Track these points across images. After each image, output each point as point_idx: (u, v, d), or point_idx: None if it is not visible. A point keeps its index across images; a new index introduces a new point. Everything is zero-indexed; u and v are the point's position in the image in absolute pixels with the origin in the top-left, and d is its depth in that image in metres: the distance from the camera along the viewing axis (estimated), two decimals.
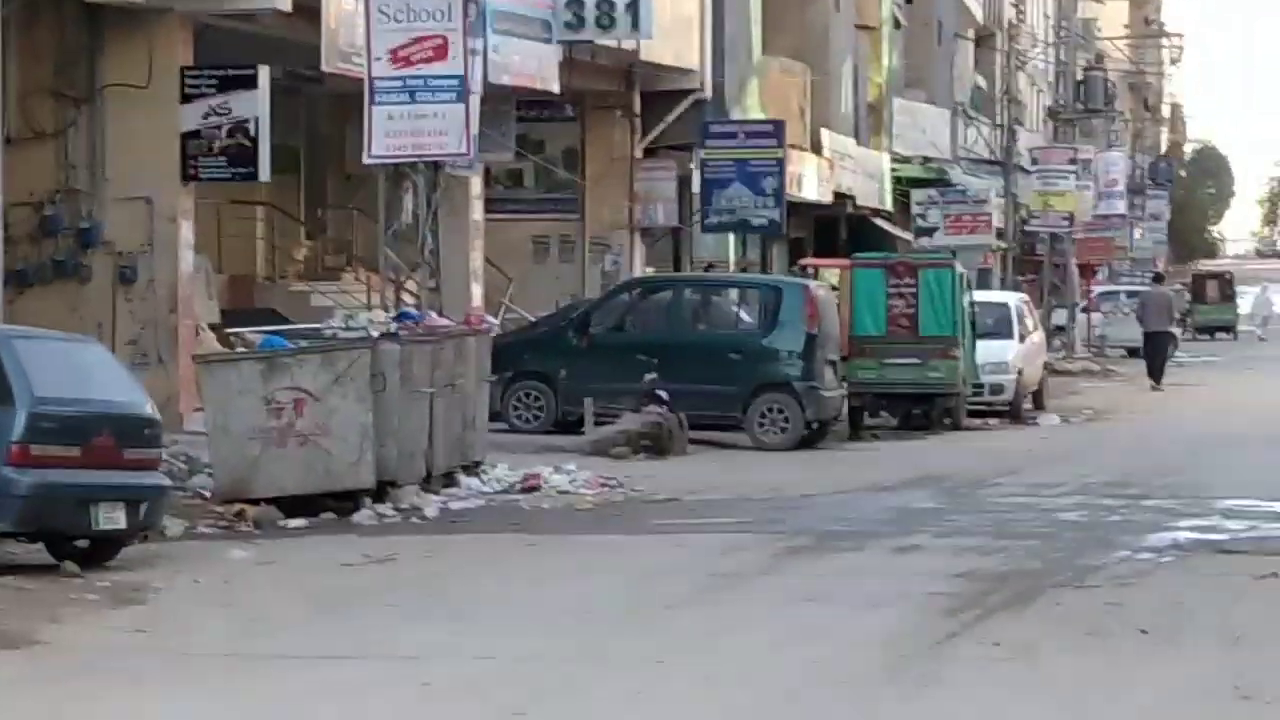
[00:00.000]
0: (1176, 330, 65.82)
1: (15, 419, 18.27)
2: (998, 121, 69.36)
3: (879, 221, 56.55)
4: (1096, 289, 73.53)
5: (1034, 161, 67.56)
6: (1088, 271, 73.51)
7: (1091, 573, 19.39)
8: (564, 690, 13.14)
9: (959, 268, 40.30)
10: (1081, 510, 25.46)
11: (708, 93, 43.89)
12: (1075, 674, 13.79)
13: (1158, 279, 70.36)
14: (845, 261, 41.99)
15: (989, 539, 22.09)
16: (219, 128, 29.54)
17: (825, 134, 51.56)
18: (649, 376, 32.24)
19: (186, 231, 30.02)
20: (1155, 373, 55.10)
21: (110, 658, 14.78)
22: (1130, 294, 71.15)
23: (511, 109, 37.24)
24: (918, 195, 57.71)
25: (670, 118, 43.05)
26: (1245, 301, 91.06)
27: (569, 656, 14.87)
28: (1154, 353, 56.46)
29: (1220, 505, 25.40)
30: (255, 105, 29.61)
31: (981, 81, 72.54)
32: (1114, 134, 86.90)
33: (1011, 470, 30.93)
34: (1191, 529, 23.05)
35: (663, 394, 31.93)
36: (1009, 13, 74.22)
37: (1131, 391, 54.05)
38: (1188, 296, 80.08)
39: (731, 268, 45.92)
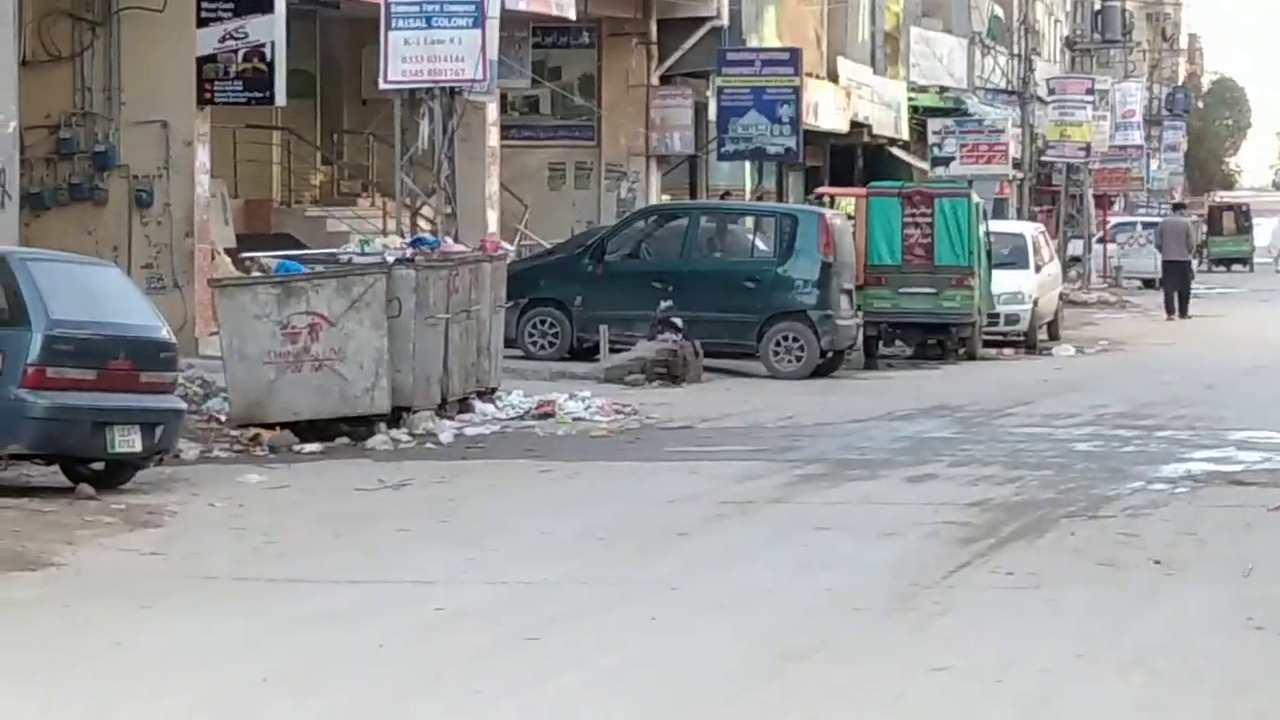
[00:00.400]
0: (1194, 261, 65.86)
1: (31, 341, 18.40)
2: (1015, 51, 69.40)
3: (895, 151, 56.70)
4: (1113, 220, 73.41)
5: (1051, 91, 67.67)
6: (1104, 202, 73.43)
7: (1105, 503, 19.48)
8: (577, 616, 13.34)
9: (975, 197, 40.30)
10: (1095, 441, 25.49)
11: (724, 20, 43.91)
12: (1087, 604, 13.89)
13: (1177, 208, 70.69)
14: (861, 190, 42.03)
15: (1003, 469, 22.18)
16: (235, 52, 29.62)
17: (842, 62, 51.65)
18: (664, 304, 32.34)
19: (202, 155, 30.12)
20: (1177, 302, 55.18)
21: (125, 580, 15.01)
22: (1146, 225, 71.13)
23: (528, 35, 37.38)
24: (934, 125, 57.72)
25: (687, 45, 43.19)
26: (1262, 233, 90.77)
27: (583, 582, 15.12)
28: (1172, 282, 56.51)
29: (1234, 437, 25.48)
30: (271, 29, 29.64)
31: (999, 11, 72.56)
32: (1131, 64, 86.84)
33: (1026, 400, 30.94)
34: (1205, 460, 23.01)
35: (678, 321, 32.01)
36: None
37: (1147, 323, 53.92)
38: (1204, 228, 79.97)
39: (747, 196, 46.19)
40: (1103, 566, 15.78)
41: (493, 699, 10.91)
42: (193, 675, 11.49)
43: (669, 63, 43.60)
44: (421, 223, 29.15)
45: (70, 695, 10.86)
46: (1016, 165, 62.58)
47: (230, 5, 29.62)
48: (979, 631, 12.79)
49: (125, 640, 12.45)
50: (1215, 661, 12.05)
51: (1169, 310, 55.25)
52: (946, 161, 54.97)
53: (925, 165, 55.63)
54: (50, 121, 29.36)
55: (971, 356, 38.02)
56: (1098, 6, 75.73)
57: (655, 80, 43.61)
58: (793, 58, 44.78)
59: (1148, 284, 64.82)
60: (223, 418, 23.56)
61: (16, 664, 11.69)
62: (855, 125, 52.48)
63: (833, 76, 50.83)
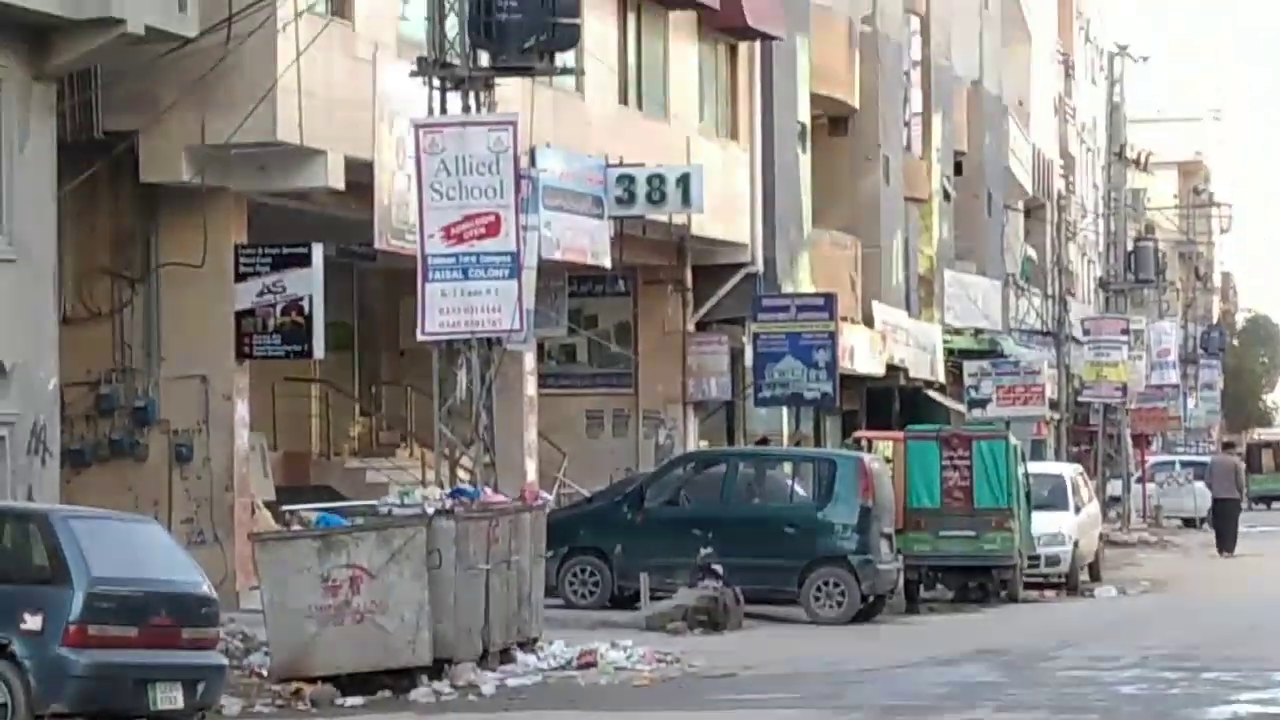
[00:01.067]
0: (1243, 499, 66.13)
1: (73, 599, 18.17)
2: (1049, 292, 69.72)
3: (932, 393, 56.87)
4: (1151, 459, 73.92)
5: (1086, 332, 67.79)
6: (1142, 442, 73.87)
7: None
8: None
9: (1013, 439, 40.33)
10: (1141, 683, 25.15)
11: (759, 266, 44.05)
12: None
13: (1227, 446, 71.19)
14: (899, 434, 41.96)
15: (1049, 713, 21.93)
16: (273, 305, 29.69)
17: (877, 306, 51.75)
18: (704, 551, 32.04)
19: (241, 409, 30.09)
20: (1226, 540, 55.03)
21: None
22: (1185, 464, 71.68)
23: (564, 284, 37.45)
24: (970, 367, 57.93)
25: (722, 292, 43.31)
26: None
27: None
28: (1222, 519, 56.54)
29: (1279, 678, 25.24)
30: (309, 283, 29.84)
31: (1032, 252, 72.90)
32: (1165, 303, 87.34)
33: (1070, 643, 30.63)
34: (1252, 701, 22.72)
35: (718, 568, 31.69)
36: (1058, 184, 74.76)
37: (1189, 562, 53.73)
38: (1242, 466, 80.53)
39: (785, 441, 46.15)
40: None
41: None
42: None
43: (704, 309, 43.59)
44: (461, 473, 28.88)
45: None
46: (1053, 406, 62.70)
47: (268, 260, 29.73)
48: None
49: None
50: None
51: (1220, 547, 55.13)
52: (983, 403, 55.21)
53: (962, 407, 55.82)
54: (90, 378, 29.26)
55: (1013, 599, 37.66)
56: (1130, 246, 76.25)
57: (691, 327, 43.53)
58: (827, 303, 44.72)
59: (1188, 523, 65.26)
60: (264, 672, 23.23)
61: None
62: (891, 368, 52.42)
63: (868, 320, 50.89)
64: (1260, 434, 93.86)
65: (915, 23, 55.76)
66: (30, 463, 26.06)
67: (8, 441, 25.91)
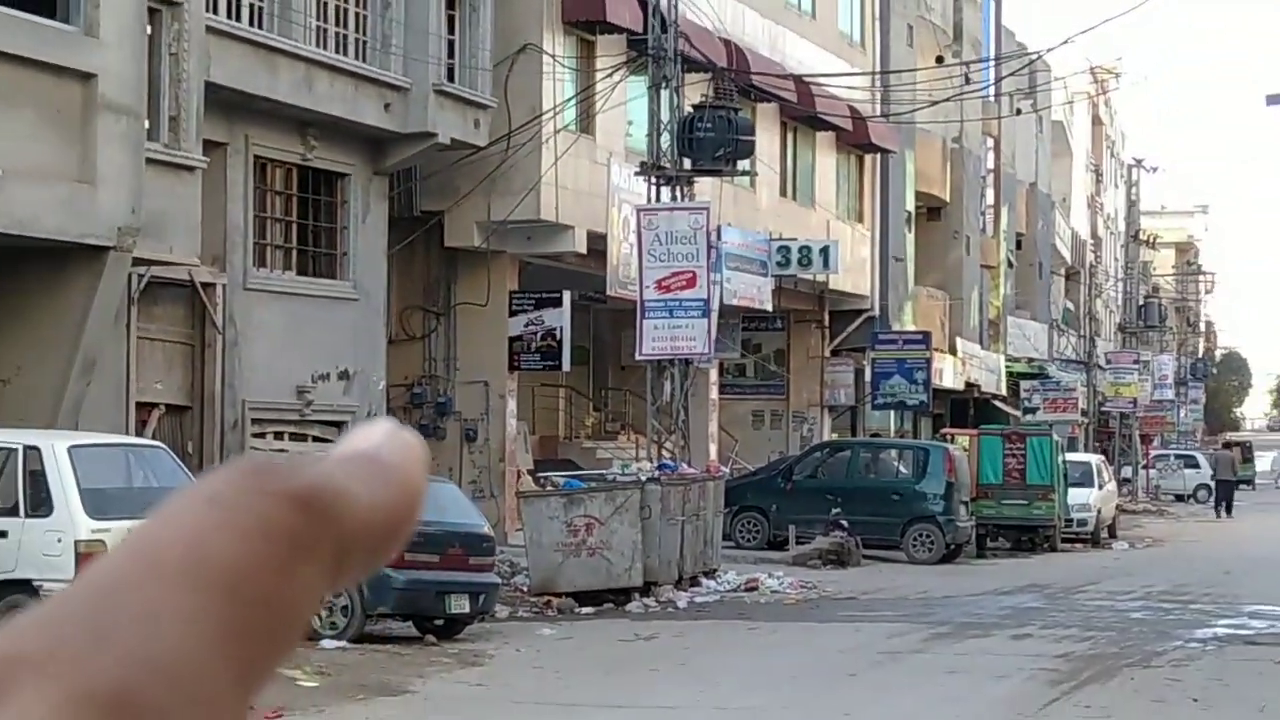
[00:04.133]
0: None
1: None
2: (1081, 333, 69.75)
3: (997, 403, 56.89)
4: (1153, 452, 73.54)
5: (1108, 362, 68.06)
6: (1147, 440, 73.68)
7: (1155, 657, 19.64)
8: None
9: (1055, 436, 40.73)
10: (1145, 610, 25.42)
11: (876, 311, 44.14)
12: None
13: (1227, 445, 70.79)
14: (974, 431, 42.68)
15: (1079, 630, 22.25)
16: (535, 334, 30.35)
17: (960, 341, 51.26)
18: (835, 510, 32.66)
19: (511, 405, 30.72)
20: (1226, 507, 56.13)
21: (458, 704, 15.79)
22: (1177, 456, 71.72)
23: (739, 321, 37.68)
24: (1025, 385, 57.86)
25: (850, 329, 43.43)
26: (1262, 462, 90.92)
27: (784, 707, 15.74)
28: (1222, 494, 57.42)
29: (1247, 609, 25.24)
30: (560, 318, 30.36)
31: (1070, 305, 73.15)
32: (1165, 342, 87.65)
33: (1094, 581, 30.75)
34: (1226, 626, 23.02)
35: (844, 523, 32.24)
36: (1089, 257, 75.19)
37: (1180, 525, 53.19)
38: (1239, 458, 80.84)
39: (892, 434, 46.03)
40: (1155, 703, 16.24)
41: None
42: None
43: (837, 341, 43.61)
44: (664, 452, 29.37)
45: None
46: (1084, 413, 62.64)
47: (532, 301, 30.34)
48: None
49: None
50: None
51: (1218, 514, 56.02)
52: (1034, 411, 55.40)
53: (1019, 413, 55.83)
54: (407, 382, 29.83)
55: (1053, 549, 37.76)
56: (1141, 302, 76.82)
57: (827, 353, 43.53)
58: (925, 338, 44.90)
59: (1179, 498, 65.06)
60: (525, 589, 23.95)
61: None
62: (968, 385, 52.40)
63: (952, 350, 50.25)
64: (1230, 436, 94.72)
65: (990, 141, 55.12)
66: None
67: (350, 425, 26.15)
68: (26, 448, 16.02)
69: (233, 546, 0.30)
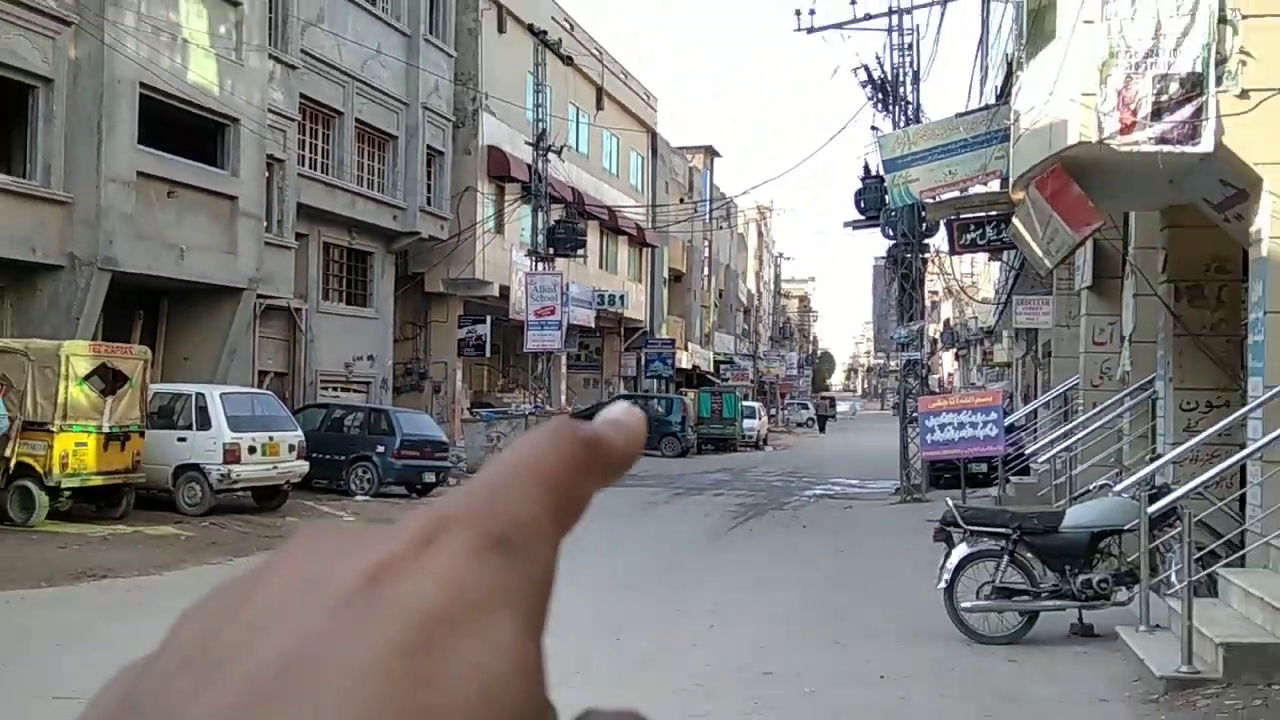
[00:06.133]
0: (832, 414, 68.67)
1: (395, 441, 20.28)
2: (751, 341, 69.12)
3: (710, 376, 53.61)
4: (786, 401, 72.97)
5: (764, 356, 68.30)
6: (783, 394, 72.83)
7: (785, 504, 21.10)
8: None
9: (737, 393, 42.28)
10: (781, 480, 26.76)
11: (648, 328, 44.33)
12: (778, 539, 15.76)
13: (823, 398, 79.46)
14: (696, 390, 42.62)
15: (748, 491, 23.69)
16: (471, 337, 30.02)
17: (690, 344, 50.57)
18: None
19: (459, 375, 29.72)
20: (821, 428, 61.17)
21: None
22: (799, 404, 72.48)
23: (576, 333, 36.29)
24: (723, 367, 56.80)
25: (634, 337, 43.51)
26: (841, 406, 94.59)
27: (598, 525, 12.97)
28: (821, 423, 63.38)
29: (834, 481, 26.60)
30: (484, 329, 29.92)
31: (746, 326, 70.11)
32: (790, 344, 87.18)
33: (756, 466, 32.11)
34: (820, 490, 24.44)
35: None
36: (755, 302, 73.71)
37: (799, 439, 53.52)
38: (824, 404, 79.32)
39: (655, 391, 43.48)
40: (784, 528, 17.10)
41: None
42: None
43: (627, 343, 43.25)
44: (537, 400, 30.31)
45: None
46: (750, 382, 60.86)
47: (470, 320, 29.71)
48: (737, 550, 14.56)
49: None
50: (825, 559, 14.07)
51: (820, 431, 61.05)
52: (726, 380, 52.91)
53: (720, 381, 52.17)
54: (404, 362, 28.96)
55: (735, 450, 38.94)
56: (781, 325, 77.63)
57: (623, 349, 43.26)
58: (672, 343, 45.42)
59: (799, 425, 65.70)
60: (463, 469, 22.88)
61: None
62: (694, 367, 50.86)
63: (686, 348, 49.57)
64: (824, 394, 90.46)
65: (706, 243, 54.12)
66: (382, 396, 26.60)
67: (373, 385, 26.86)
68: (197, 394, 17.15)
69: (555, 460, 0.39)
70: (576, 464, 0.40)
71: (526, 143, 30.65)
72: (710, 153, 54.91)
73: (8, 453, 14.56)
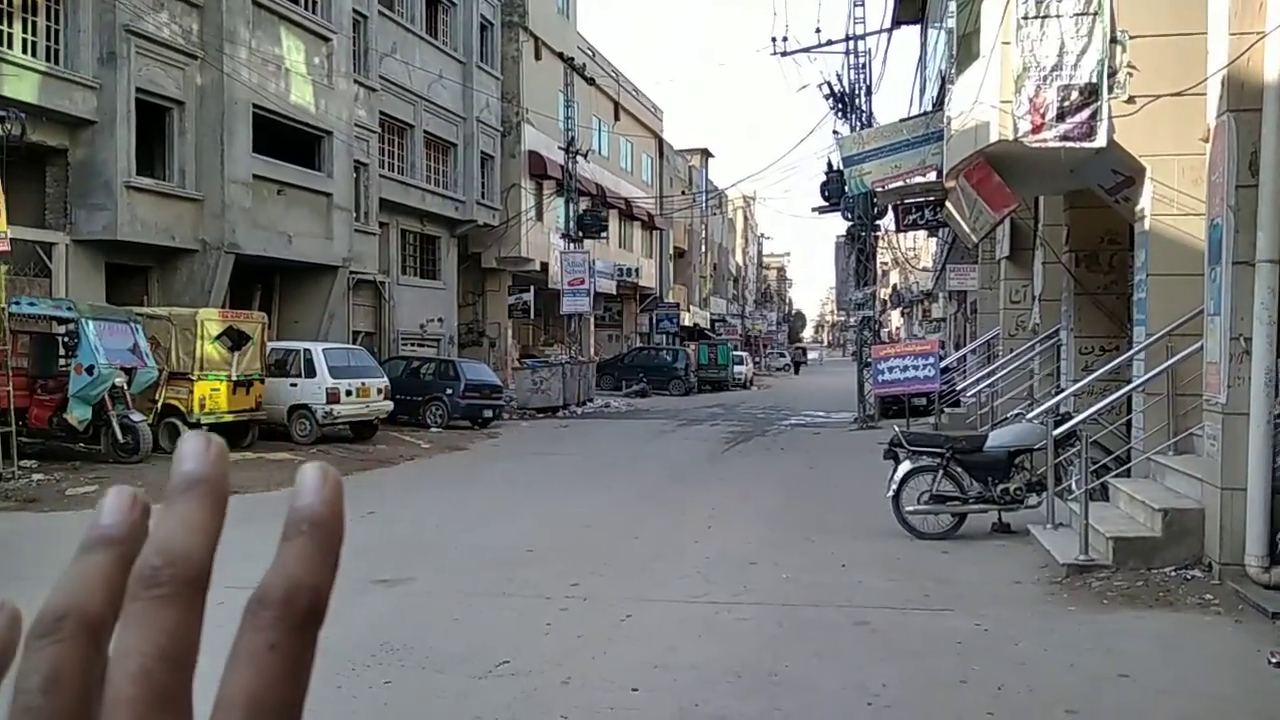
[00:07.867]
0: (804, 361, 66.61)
1: (461, 384, 20.04)
2: (740, 304, 67.04)
3: (707, 332, 51.70)
4: (766, 350, 71.02)
5: (749, 315, 65.01)
6: (764, 346, 71.08)
7: (767, 432, 20.47)
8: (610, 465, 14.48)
9: (729, 345, 41.26)
10: (763, 413, 25.85)
11: (658, 293, 43.12)
12: (761, 459, 15.40)
13: (797, 348, 74.22)
14: (696, 342, 41.89)
15: (738, 422, 23.05)
16: (519, 303, 29.22)
17: (691, 306, 48.91)
18: (640, 374, 31.81)
19: (510, 333, 28.92)
20: (796, 371, 58.82)
21: (488, 451, 16.25)
22: (778, 352, 70.49)
23: (602, 299, 35.41)
24: (717, 325, 54.53)
25: (646, 301, 42.35)
26: (812, 354, 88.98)
27: (621, 447, 16.36)
28: (795, 368, 59.97)
29: (805, 413, 25.95)
30: (530, 297, 28.97)
31: (735, 292, 67.11)
32: (771, 307, 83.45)
33: (744, 402, 30.72)
34: (796, 420, 23.80)
35: (645, 380, 31.91)
36: (743, 274, 71.07)
37: (777, 380, 51.13)
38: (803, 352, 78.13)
39: (664, 344, 41.36)
40: (767, 450, 16.63)
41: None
42: (504, 472, 13.30)
43: (642, 306, 42.18)
44: (571, 351, 28.99)
45: (482, 488, 12.18)
46: (740, 336, 58.63)
47: (519, 290, 29.01)
48: (730, 468, 14.19)
49: (498, 469, 13.90)
50: (798, 474, 13.52)
51: (795, 373, 58.93)
52: (720, 334, 51.20)
53: (715, 336, 50.41)
54: (467, 323, 28.04)
55: (726, 389, 37.82)
56: (763, 290, 75.25)
57: (638, 312, 42.04)
58: (677, 305, 44.13)
59: (779, 369, 63.28)
60: (515, 407, 23.17)
61: (458, 477, 13.07)
62: (695, 325, 48.76)
63: (689, 310, 48.23)
64: (798, 344, 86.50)
65: (703, 226, 52.04)
66: (449, 350, 25.39)
67: (442, 341, 26.10)
68: (304, 349, 17.15)
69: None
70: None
71: (559, 148, 30.31)
72: (705, 154, 53.89)
73: (157, 397, 14.60)
